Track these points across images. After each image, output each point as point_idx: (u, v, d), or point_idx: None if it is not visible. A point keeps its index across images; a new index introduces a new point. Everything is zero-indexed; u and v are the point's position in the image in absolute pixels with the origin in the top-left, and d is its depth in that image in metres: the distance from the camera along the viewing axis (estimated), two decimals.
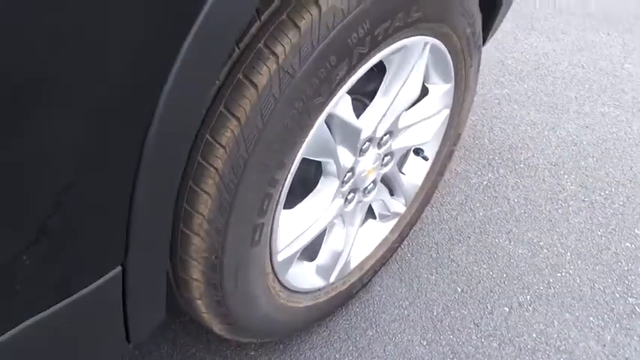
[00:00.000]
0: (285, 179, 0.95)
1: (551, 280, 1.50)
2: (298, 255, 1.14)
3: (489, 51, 2.38)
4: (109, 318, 0.79)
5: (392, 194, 1.39)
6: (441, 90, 1.28)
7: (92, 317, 0.77)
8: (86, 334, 0.78)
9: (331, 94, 0.92)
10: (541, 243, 1.60)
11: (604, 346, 1.36)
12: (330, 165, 1.09)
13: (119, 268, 0.74)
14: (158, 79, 0.62)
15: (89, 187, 0.65)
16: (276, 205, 0.97)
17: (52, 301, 0.69)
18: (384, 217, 1.39)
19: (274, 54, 0.81)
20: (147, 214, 0.71)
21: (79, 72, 0.57)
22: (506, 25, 2.54)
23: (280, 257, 1.07)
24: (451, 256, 1.56)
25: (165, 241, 0.79)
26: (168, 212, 0.75)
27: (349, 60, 0.91)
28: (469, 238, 1.61)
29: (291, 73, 0.83)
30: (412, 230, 1.59)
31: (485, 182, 1.79)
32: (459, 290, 1.48)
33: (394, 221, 1.42)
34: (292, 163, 0.94)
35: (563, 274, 1.52)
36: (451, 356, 1.34)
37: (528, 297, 1.46)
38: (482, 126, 2.01)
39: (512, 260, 1.56)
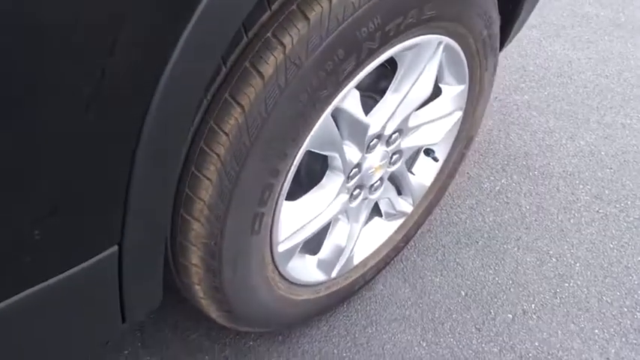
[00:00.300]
0: (288, 170, 0.96)
1: (558, 290, 1.48)
2: (300, 248, 1.14)
3: (512, 56, 2.35)
4: (105, 296, 0.81)
5: (399, 193, 1.38)
6: (455, 91, 1.27)
7: (88, 294, 0.78)
8: (81, 310, 0.79)
9: (338, 87, 0.92)
10: (550, 252, 1.58)
11: (607, 359, 1.34)
12: (335, 160, 1.09)
13: (116, 247, 0.75)
14: (160, 59, 0.63)
15: (88, 165, 0.66)
16: (278, 195, 0.98)
17: (49, 274, 0.70)
18: (390, 216, 1.39)
19: (282, 44, 0.82)
20: (144, 194, 0.72)
21: (83, 49, 0.59)
22: (532, 32, 2.50)
23: (281, 248, 1.08)
24: (457, 260, 1.55)
25: (162, 223, 0.80)
26: (166, 194, 0.76)
27: (358, 54, 0.91)
28: (477, 242, 1.60)
29: (297, 64, 0.84)
30: (419, 231, 1.59)
31: (497, 188, 1.77)
32: (463, 294, 1.47)
33: (400, 221, 1.41)
34: (296, 155, 0.94)
35: (571, 284, 1.50)
36: (450, 359, 1.33)
37: (533, 305, 1.45)
38: (498, 131, 1.98)
39: (519, 267, 1.54)
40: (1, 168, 0.59)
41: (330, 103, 0.93)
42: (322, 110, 0.93)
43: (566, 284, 1.50)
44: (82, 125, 0.63)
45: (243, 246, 0.96)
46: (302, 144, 0.94)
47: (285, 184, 0.97)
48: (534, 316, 1.42)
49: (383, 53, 0.98)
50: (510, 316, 1.42)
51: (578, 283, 1.50)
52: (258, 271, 1.04)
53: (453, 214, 1.68)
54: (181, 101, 0.68)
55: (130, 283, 0.81)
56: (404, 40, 1.01)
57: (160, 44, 0.63)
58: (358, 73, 0.95)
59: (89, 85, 0.61)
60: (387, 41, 0.95)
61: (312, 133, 0.94)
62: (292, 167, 0.96)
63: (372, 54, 0.94)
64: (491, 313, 1.43)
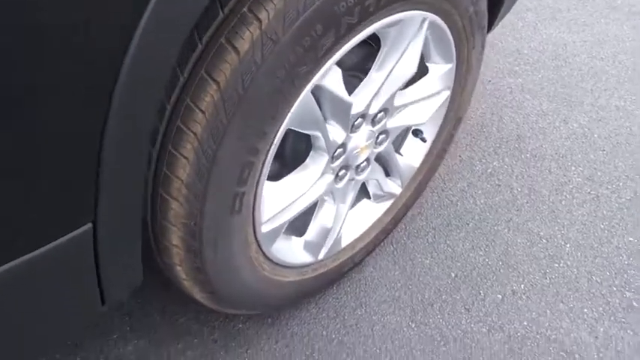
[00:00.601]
0: (269, 149, 0.95)
1: (547, 271, 1.48)
2: (285, 228, 1.13)
3: (507, 39, 2.33)
4: (81, 277, 0.80)
5: (387, 175, 1.38)
6: (442, 70, 1.26)
7: (63, 274, 0.78)
8: (57, 291, 0.79)
9: (317, 64, 0.91)
10: (541, 233, 1.57)
11: (596, 337, 1.34)
12: (319, 139, 1.08)
13: (90, 225, 0.74)
14: (126, 32, 0.62)
15: (57, 141, 0.66)
16: (259, 175, 0.97)
17: (21, 251, 0.70)
18: (378, 198, 1.38)
19: (258, 19, 0.81)
20: (115, 172, 0.71)
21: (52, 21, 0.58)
22: (527, 15, 2.48)
23: (265, 229, 1.07)
24: (448, 242, 1.55)
25: (136, 201, 0.79)
26: (137, 171, 0.76)
27: (337, 30, 0.90)
28: (468, 224, 1.59)
29: (274, 39, 0.83)
30: (410, 214, 1.58)
31: (489, 170, 1.76)
32: (453, 275, 1.47)
33: (389, 202, 1.40)
34: (276, 133, 0.94)
35: (561, 264, 1.49)
36: (439, 339, 1.33)
37: (523, 286, 1.44)
38: (491, 114, 1.97)
39: (509, 249, 1.53)
40: None
41: (309, 80, 0.92)
42: (302, 87, 0.92)
43: (556, 265, 1.49)
44: (50, 99, 0.62)
45: (223, 226, 0.96)
46: (282, 122, 0.93)
47: (267, 162, 0.96)
48: (524, 297, 1.42)
49: (364, 29, 0.96)
50: (500, 296, 1.42)
51: (568, 263, 1.50)
52: (241, 252, 1.04)
53: (444, 196, 1.67)
54: (149, 75, 0.67)
55: (106, 262, 0.80)
56: (386, 16, 1.00)
57: (124, 17, 0.62)
58: (338, 50, 0.94)
59: (57, 60, 0.60)
60: (367, 17, 0.94)
61: (292, 111, 0.93)
62: (273, 146, 0.95)
63: (352, 30, 0.93)
64: (480, 293, 1.43)
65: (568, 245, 1.54)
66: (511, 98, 2.05)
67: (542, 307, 1.40)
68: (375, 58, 1.13)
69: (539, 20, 2.46)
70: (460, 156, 1.81)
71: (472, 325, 1.36)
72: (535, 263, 1.49)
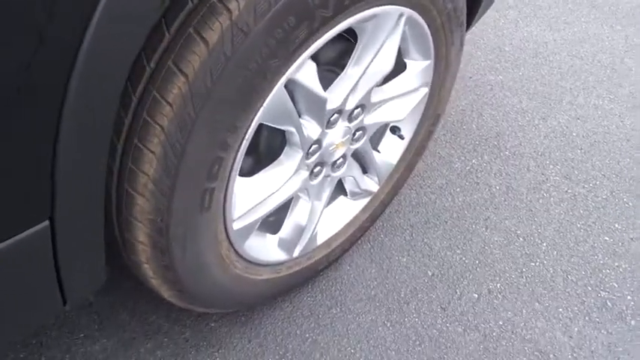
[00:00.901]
0: (240, 144, 0.92)
1: (524, 270, 1.47)
2: (258, 226, 1.11)
3: (488, 37, 2.33)
4: (40, 275, 0.77)
5: (365, 172, 1.36)
6: (420, 66, 1.24)
7: (21, 272, 0.74)
8: (15, 288, 0.76)
9: (290, 57, 0.88)
10: (518, 232, 1.57)
11: (570, 337, 1.34)
12: (293, 135, 1.06)
13: (47, 221, 0.71)
14: (83, 15, 0.59)
15: (11, 133, 0.62)
16: (230, 170, 0.94)
17: None
18: (355, 195, 1.36)
19: (228, 9, 0.78)
20: (71, 165, 0.68)
21: None
22: (509, 12, 2.48)
23: (236, 226, 1.04)
24: (425, 240, 1.53)
25: (96, 196, 0.76)
26: (97, 165, 0.72)
27: (310, 22, 0.87)
28: (445, 222, 1.58)
29: (245, 30, 0.80)
30: (387, 211, 1.57)
31: (468, 168, 1.75)
32: (430, 274, 1.45)
33: (366, 200, 1.38)
34: (247, 128, 0.91)
35: (537, 264, 1.49)
36: (414, 338, 1.32)
37: (499, 285, 1.44)
38: (471, 111, 1.96)
39: (486, 247, 1.52)
40: None
41: (282, 74, 0.90)
42: (274, 81, 0.89)
43: (532, 264, 1.49)
44: (4, 87, 0.59)
45: (192, 223, 0.93)
46: (253, 116, 0.90)
47: (238, 158, 0.94)
48: (500, 295, 1.41)
49: (339, 23, 0.94)
50: (476, 295, 1.41)
51: (545, 262, 1.50)
52: (211, 250, 1.01)
53: (423, 194, 1.66)
54: (107, 66, 0.63)
55: (66, 261, 0.77)
56: (361, 10, 0.97)
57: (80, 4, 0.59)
58: (312, 43, 0.91)
59: (8, 44, 0.56)
60: (341, 10, 0.91)
61: (264, 105, 0.91)
62: (245, 141, 0.92)
63: (326, 23, 0.91)
64: (457, 292, 1.42)
65: (544, 244, 1.54)
66: (491, 95, 2.04)
67: (518, 306, 1.39)
68: (351, 53, 1.10)
69: (521, 17, 2.46)
70: (439, 153, 1.80)
71: (448, 325, 1.35)
72: (512, 262, 1.49)
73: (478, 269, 1.47)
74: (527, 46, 2.31)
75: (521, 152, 1.81)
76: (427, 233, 1.55)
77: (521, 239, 1.55)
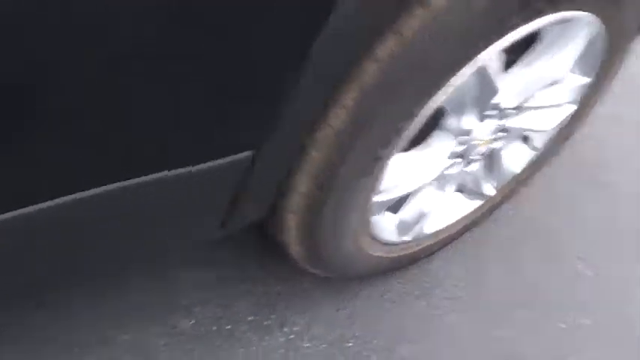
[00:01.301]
0: (418, 115, 0.90)
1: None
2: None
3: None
4: (217, 198, 0.77)
5: (487, 174, 1.33)
6: (577, 82, 1.20)
7: (206, 192, 0.74)
8: (192, 205, 0.75)
9: (502, 34, 0.85)
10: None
11: None
12: (450, 120, 1.03)
13: (250, 153, 0.70)
14: None
15: (256, 71, 0.62)
16: (398, 142, 0.92)
17: (185, 162, 0.66)
18: (471, 194, 1.34)
19: None
20: (298, 111, 0.67)
21: None
22: None
23: (376, 199, 1.03)
24: (516, 253, 1.51)
25: (303, 144, 0.75)
26: (316, 114, 0.72)
27: (526, 13, 0.84)
28: (537, 238, 1.55)
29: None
30: (492, 217, 1.53)
31: (569, 192, 1.71)
32: (514, 290, 1.43)
33: (480, 202, 1.36)
34: (431, 102, 0.89)
35: None
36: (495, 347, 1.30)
37: (588, 321, 1.41)
38: (589, 138, 1.88)
39: (577, 278, 1.49)
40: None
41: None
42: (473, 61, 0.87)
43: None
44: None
45: (352, 185, 0.92)
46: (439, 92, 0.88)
47: (411, 129, 0.91)
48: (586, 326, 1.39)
49: (543, 18, 0.91)
50: (564, 325, 1.39)
51: None
52: (354, 217, 0.99)
53: (521, 208, 1.62)
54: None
55: (247, 190, 0.77)
56: (562, 10, 0.94)
57: None
58: (514, 31, 0.88)
59: None
60: (556, 5, 0.88)
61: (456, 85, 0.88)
62: (422, 115, 0.90)
63: (533, 17, 0.88)
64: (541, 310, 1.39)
65: None
66: (617, 125, 1.95)
67: None
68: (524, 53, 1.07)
69: None
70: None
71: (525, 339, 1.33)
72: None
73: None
74: None
75: (629, 192, 1.75)
76: (519, 247, 1.52)
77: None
